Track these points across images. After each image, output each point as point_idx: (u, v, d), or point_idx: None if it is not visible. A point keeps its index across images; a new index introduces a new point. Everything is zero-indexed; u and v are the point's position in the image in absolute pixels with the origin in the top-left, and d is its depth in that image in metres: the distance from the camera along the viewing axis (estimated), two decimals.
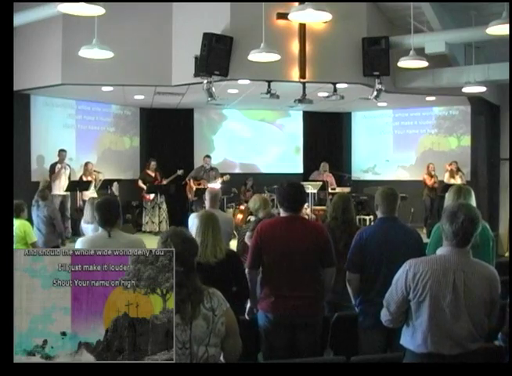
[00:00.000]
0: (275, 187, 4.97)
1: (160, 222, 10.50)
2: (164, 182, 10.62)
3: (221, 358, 2.42)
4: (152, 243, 3.68)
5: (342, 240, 4.11)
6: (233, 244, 5.24)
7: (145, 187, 10.44)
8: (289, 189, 3.47)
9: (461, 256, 2.57)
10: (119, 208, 3.56)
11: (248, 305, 3.58)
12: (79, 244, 3.54)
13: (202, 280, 2.38)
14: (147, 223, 10.57)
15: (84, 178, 9.80)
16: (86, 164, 10.03)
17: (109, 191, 9.70)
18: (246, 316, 3.55)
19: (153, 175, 10.69)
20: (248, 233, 4.81)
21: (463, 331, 2.51)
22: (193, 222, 3.99)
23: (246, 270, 3.47)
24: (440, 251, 2.64)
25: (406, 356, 2.65)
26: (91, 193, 9.31)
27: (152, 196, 10.43)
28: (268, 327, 3.37)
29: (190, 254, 2.35)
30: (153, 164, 10.71)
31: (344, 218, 4.29)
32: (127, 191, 10.91)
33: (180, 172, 10.56)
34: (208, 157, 10.79)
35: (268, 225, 3.49)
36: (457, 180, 10.32)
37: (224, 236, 4.79)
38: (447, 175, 10.64)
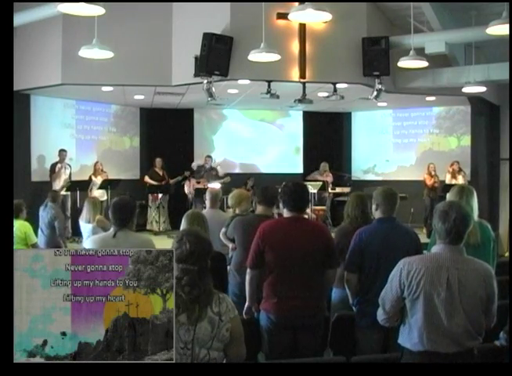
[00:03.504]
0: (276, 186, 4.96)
1: (163, 222, 10.53)
2: (171, 182, 10.66)
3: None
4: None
5: None
6: None
7: (152, 182, 10.51)
8: (295, 188, 3.44)
9: (454, 253, 2.59)
10: (134, 210, 3.59)
11: (246, 304, 3.56)
12: (87, 243, 3.63)
13: None
14: (151, 222, 10.60)
15: (94, 178, 9.91)
16: (95, 163, 10.19)
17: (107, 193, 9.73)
18: (244, 316, 3.54)
19: (160, 173, 10.74)
20: (223, 229, 4.79)
21: (459, 329, 2.52)
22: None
23: (247, 270, 3.44)
24: (434, 250, 2.66)
25: (404, 355, 2.66)
26: (98, 193, 9.36)
27: (160, 195, 10.46)
28: (270, 328, 3.36)
29: (205, 253, 2.35)
30: (158, 160, 10.76)
31: (364, 218, 4.25)
32: (127, 191, 10.91)
33: (187, 174, 10.62)
34: (209, 157, 10.84)
35: (271, 225, 3.45)
36: (459, 180, 10.30)
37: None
38: (449, 175, 10.63)
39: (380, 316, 2.78)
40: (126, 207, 3.53)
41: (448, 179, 10.56)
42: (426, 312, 2.54)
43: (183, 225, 3.68)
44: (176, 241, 2.38)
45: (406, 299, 2.61)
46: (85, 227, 6.11)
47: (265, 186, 4.36)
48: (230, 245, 4.66)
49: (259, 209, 4.30)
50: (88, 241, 3.65)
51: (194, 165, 10.94)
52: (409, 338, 2.61)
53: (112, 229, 3.51)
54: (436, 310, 2.53)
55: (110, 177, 10.10)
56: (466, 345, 2.54)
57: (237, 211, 5.10)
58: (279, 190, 3.56)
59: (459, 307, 2.52)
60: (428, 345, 2.54)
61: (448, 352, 2.52)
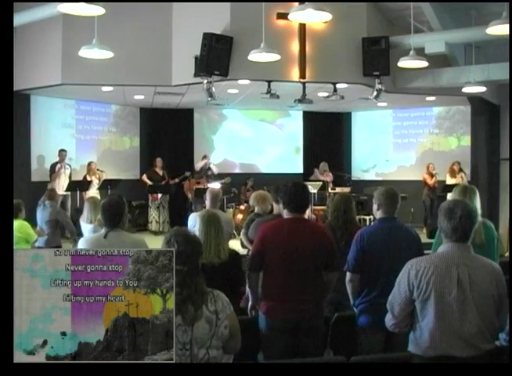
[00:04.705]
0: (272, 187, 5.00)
1: (163, 222, 10.52)
2: (171, 182, 10.66)
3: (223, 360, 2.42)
4: (153, 243, 3.68)
5: (343, 240, 4.10)
6: (232, 244, 5.22)
7: (149, 182, 10.47)
8: (295, 188, 3.40)
9: (462, 251, 2.55)
10: (123, 209, 3.55)
11: (249, 303, 3.56)
12: (80, 243, 3.60)
13: (205, 281, 2.37)
14: (151, 222, 10.60)
15: (88, 178, 9.84)
16: (89, 163, 10.09)
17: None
18: (249, 314, 3.53)
19: (160, 173, 10.72)
20: (243, 230, 4.81)
21: (473, 328, 2.46)
22: (194, 222, 3.99)
23: (248, 273, 3.42)
24: (441, 248, 2.62)
25: (415, 361, 2.58)
26: (93, 193, 9.32)
27: (160, 195, 10.47)
28: (269, 331, 3.33)
29: (194, 254, 2.34)
30: (158, 160, 10.75)
31: (346, 218, 4.27)
32: (127, 191, 10.91)
33: (188, 174, 10.62)
34: (205, 157, 10.81)
35: (272, 227, 3.42)
36: (458, 180, 10.30)
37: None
38: (449, 175, 10.63)
39: (389, 321, 2.69)
40: (114, 207, 3.49)
41: (448, 179, 10.56)
42: (438, 311, 2.47)
43: (198, 226, 3.65)
44: (165, 243, 2.39)
45: (416, 301, 2.54)
46: (86, 227, 6.10)
47: (277, 185, 4.35)
48: (250, 247, 4.68)
49: (277, 208, 4.30)
50: (81, 241, 3.63)
51: (197, 166, 10.89)
52: (421, 342, 2.54)
53: (103, 230, 3.49)
54: (448, 309, 2.47)
55: (110, 177, 10.08)
56: (481, 348, 2.47)
57: (256, 210, 5.09)
58: (280, 190, 3.55)
59: (471, 304, 2.46)
60: (441, 348, 2.47)
61: (463, 357, 2.44)
